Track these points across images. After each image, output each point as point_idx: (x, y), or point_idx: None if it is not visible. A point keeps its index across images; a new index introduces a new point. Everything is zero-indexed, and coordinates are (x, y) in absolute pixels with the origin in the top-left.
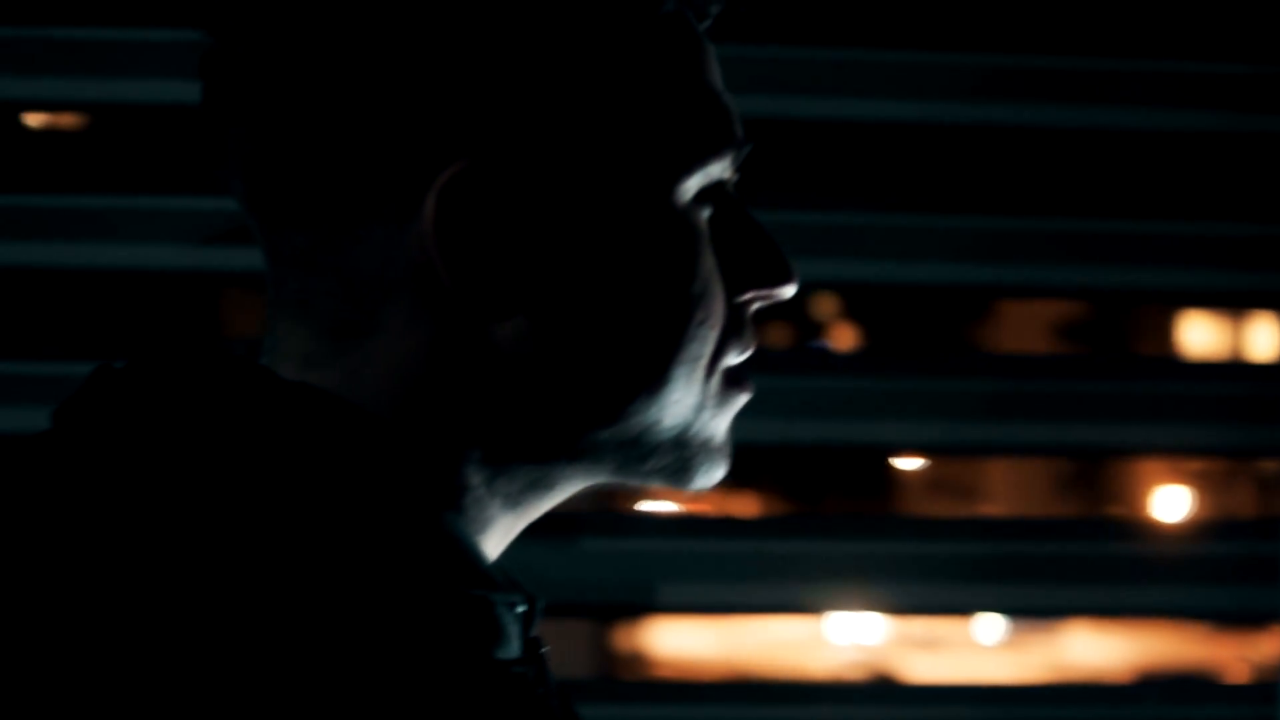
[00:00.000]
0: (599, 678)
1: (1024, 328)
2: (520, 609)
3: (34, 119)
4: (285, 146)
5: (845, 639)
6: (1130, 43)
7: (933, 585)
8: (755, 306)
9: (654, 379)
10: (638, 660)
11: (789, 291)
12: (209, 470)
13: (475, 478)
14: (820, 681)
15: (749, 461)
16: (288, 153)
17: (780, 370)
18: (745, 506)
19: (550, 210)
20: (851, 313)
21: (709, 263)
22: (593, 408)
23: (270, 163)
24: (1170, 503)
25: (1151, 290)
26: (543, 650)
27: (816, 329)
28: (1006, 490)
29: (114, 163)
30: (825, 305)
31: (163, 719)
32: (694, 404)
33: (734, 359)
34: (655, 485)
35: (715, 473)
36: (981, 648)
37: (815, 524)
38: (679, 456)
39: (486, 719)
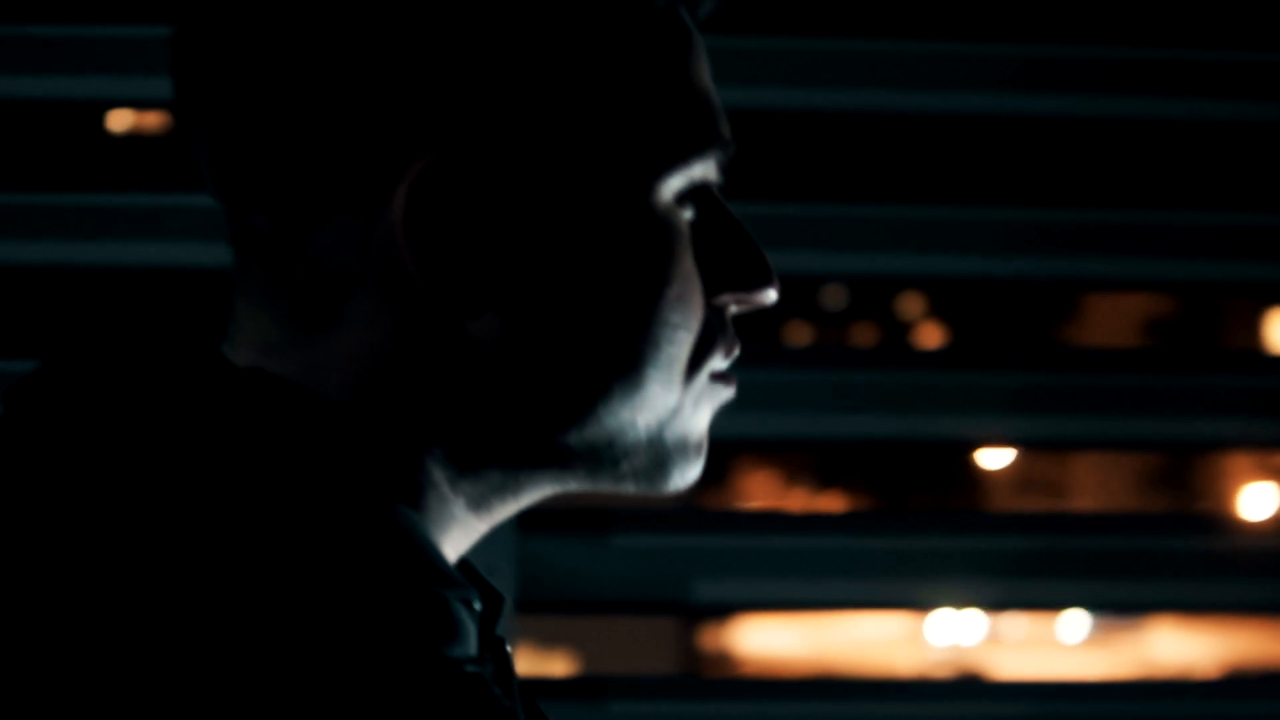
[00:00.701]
0: (686, 675)
1: (1110, 322)
2: (478, 607)
3: (118, 119)
4: (252, 128)
5: (932, 635)
6: (1210, 33)
7: (1019, 581)
8: (733, 310)
9: (627, 382)
10: (725, 658)
11: (770, 297)
12: (153, 457)
13: (438, 475)
14: (906, 678)
15: (836, 457)
16: (254, 134)
17: (866, 365)
18: (832, 502)
19: (525, 206)
20: (937, 308)
21: (688, 264)
22: (562, 410)
23: (236, 144)
24: (1257, 498)
25: (1238, 283)
26: (507, 650)
27: (904, 325)
28: (1093, 485)
29: (166, 161)
30: (911, 301)
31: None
32: (671, 407)
33: (719, 363)
34: (629, 488)
35: (690, 472)
36: (1068, 644)
37: (902, 520)
38: (652, 457)
39: (433, 717)
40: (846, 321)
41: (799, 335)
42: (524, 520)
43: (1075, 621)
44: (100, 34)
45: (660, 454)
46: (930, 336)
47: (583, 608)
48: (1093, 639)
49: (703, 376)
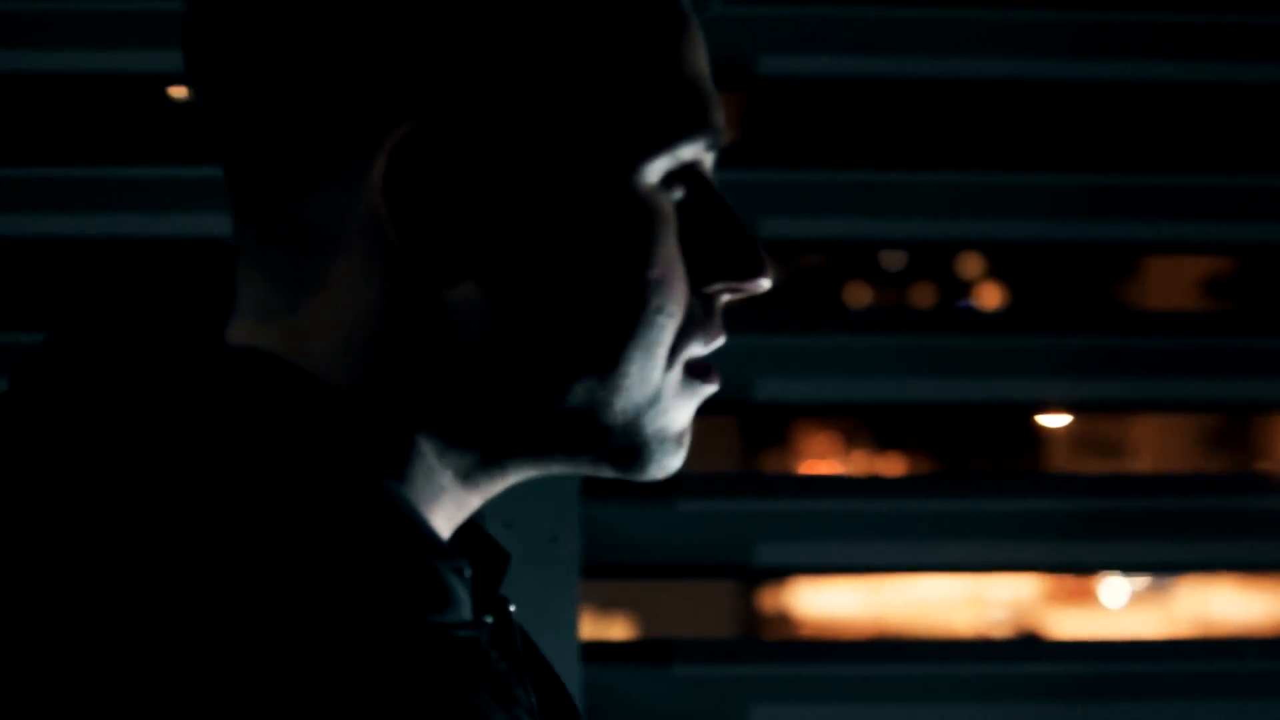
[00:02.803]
0: (744, 638)
1: (1171, 284)
2: (468, 574)
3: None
4: (246, 92)
5: (991, 597)
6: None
7: (1078, 542)
8: (725, 299)
9: (603, 362)
10: (784, 621)
11: (761, 286)
12: (146, 439)
13: (425, 446)
14: (966, 639)
15: (896, 421)
16: (248, 99)
17: (927, 329)
18: (891, 466)
19: (503, 178)
20: (996, 271)
21: (670, 249)
22: (539, 385)
23: (233, 109)
24: None
25: None
26: (510, 609)
27: (964, 288)
28: (1152, 447)
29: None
30: (972, 265)
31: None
32: (649, 392)
33: (698, 350)
34: (607, 472)
35: (669, 463)
36: (1126, 604)
37: (962, 483)
38: (629, 444)
39: (417, 680)
40: (906, 284)
41: (859, 298)
42: (589, 486)
43: (1134, 582)
44: (101, 8)
45: (638, 441)
46: (989, 299)
47: (647, 573)
48: (1152, 599)
49: (680, 363)
